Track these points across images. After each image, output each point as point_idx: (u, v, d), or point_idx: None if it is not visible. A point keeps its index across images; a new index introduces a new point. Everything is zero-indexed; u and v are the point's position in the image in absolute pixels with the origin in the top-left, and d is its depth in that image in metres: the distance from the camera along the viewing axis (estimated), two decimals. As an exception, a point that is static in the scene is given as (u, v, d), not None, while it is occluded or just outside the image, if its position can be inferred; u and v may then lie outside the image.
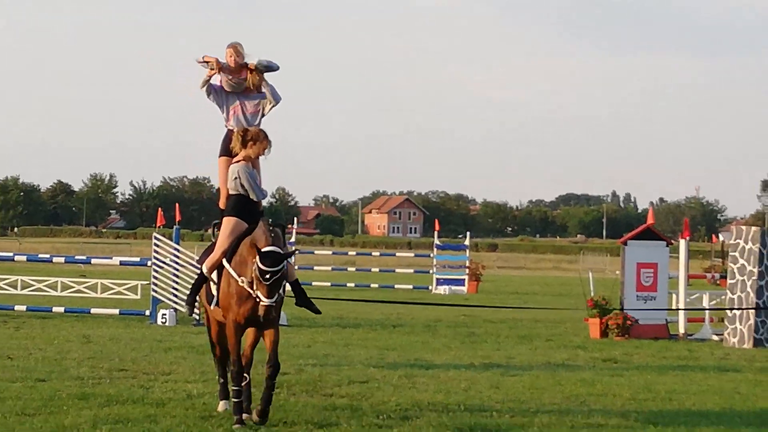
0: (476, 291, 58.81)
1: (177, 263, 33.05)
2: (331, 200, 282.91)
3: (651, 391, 20.58)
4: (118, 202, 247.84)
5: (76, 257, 42.38)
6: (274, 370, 15.09)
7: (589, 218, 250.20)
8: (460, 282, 59.11)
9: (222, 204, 16.23)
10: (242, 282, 15.01)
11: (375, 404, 17.90)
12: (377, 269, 65.55)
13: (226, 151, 16.22)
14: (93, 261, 40.41)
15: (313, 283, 54.56)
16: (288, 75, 16.54)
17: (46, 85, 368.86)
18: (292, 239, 68.59)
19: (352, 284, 57.94)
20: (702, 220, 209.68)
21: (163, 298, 32.78)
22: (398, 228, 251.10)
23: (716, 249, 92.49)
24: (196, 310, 30.32)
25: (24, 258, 40.04)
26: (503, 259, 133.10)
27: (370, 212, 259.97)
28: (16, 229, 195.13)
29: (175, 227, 34.92)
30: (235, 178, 15.55)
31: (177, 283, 32.78)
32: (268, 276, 14.45)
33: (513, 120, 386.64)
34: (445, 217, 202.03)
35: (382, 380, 20.73)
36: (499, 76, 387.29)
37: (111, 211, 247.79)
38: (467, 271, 59.94)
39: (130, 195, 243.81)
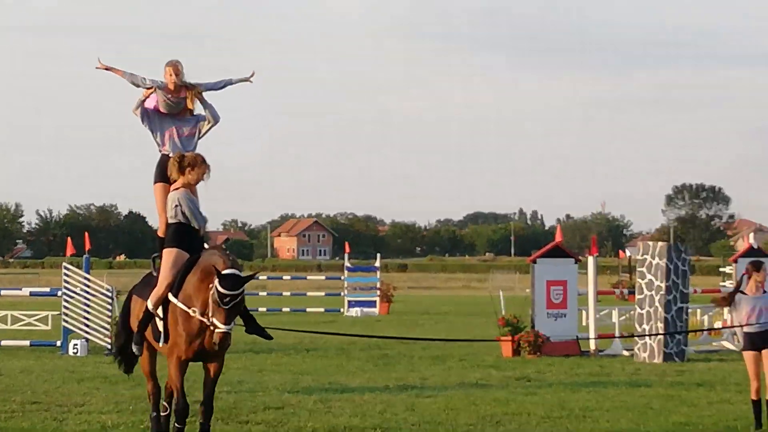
0: (388, 312, 58.78)
1: (87, 292, 32.89)
2: (239, 224, 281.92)
3: (565, 408, 20.75)
4: (25, 231, 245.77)
5: (-15, 289, 41.85)
6: (209, 412, 15.00)
7: (497, 236, 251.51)
8: (372, 304, 59.10)
9: (161, 232, 15.83)
10: (194, 312, 14.53)
11: (291, 430, 17.98)
12: (288, 293, 65.20)
13: (163, 177, 15.75)
14: (2, 292, 40.16)
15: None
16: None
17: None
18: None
19: (264, 309, 57.73)
20: (608, 236, 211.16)
21: (74, 329, 32.57)
22: (308, 251, 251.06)
23: (623, 264, 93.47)
24: (107, 339, 30.37)
25: (-69, 291, 39.58)
26: (413, 280, 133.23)
27: (279, 235, 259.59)
28: None
29: (84, 256, 34.88)
30: (176, 206, 15.15)
31: (88, 312, 32.61)
32: (227, 299, 14.01)
33: (419, 139, 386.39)
34: (355, 239, 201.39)
35: (297, 405, 20.77)
36: (406, 93, 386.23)
37: (17, 241, 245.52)
38: (378, 292, 59.98)
39: (36, 224, 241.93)
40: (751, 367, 18.21)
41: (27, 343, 33.88)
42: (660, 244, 32.79)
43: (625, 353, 32.59)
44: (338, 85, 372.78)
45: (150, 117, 16.10)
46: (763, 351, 18.23)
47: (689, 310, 33.32)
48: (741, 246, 40.85)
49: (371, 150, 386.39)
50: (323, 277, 71.84)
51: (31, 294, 37.08)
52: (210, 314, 14.21)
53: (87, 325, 32.49)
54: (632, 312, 33.14)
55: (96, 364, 29.07)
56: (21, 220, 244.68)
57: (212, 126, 16.31)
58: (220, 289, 14.00)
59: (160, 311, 15.02)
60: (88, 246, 36.10)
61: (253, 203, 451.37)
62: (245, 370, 27.43)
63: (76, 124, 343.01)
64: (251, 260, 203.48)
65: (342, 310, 58.58)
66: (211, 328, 14.26)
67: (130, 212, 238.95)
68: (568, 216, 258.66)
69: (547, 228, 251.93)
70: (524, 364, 29.76)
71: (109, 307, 32.75)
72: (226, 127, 16.45)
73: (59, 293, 33.39)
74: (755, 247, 39.07)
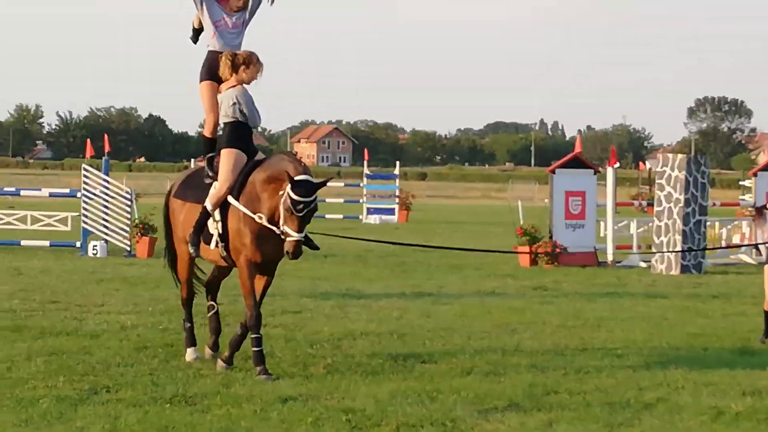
0: (406, 220, 58.90)
1: (107, 194, 32.96)
2: (259, 130, 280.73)
3: (580, 318, 20.83)
4: (45, 132, 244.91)
5: (5, 189, 41.91)
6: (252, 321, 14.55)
7: (518, 146, 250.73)
8: (391, 211, 59.20)
9: (209, 132, 15.47)
10: (260, 218, 14.18)
11: (308, 334, 18.02)
12: (307, 199, 64.87)
13: (211, 75, 15.20)
14: (22, 193, 40.26)
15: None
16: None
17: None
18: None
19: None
20: (629, 147, 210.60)
21: (93, 230, 32.72)
22: (327, 157, 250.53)
23: (643, 176, 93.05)
24: (126, 241, 30.45)
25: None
26: (433, 188, 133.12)
27: (298, 141, 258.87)
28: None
29: (104, 158, 34.85)
30: (233, 103, 14.65)
31: (107, 214, 32.73)
32: (300, 207, 13.67)
33: (439, 46, 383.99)
34: (375, 146, 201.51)
35: (314, 310, 20.89)
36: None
37: (37, 142, 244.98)
38: (397, 200, 59.98)
39: (56, 126, 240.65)
40: (767, 281, 18.27)
41: (47, 243, 34.13)
42: (680, 156, 32.71)
43: (642, 264, 32.64)
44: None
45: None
46: None
47: (708, 223, 33.30)
48: (762, 160, 40.68)
49: (390, 59, 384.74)
50: (342, 184, 71.48)
51: (51, 195, 37.20)
52: (281, 222, 13.90)
53: (106, 227, 32.64)
54: (651, 224, 33.16)
55: (115, 266, 29.24)
56: (41, 120, 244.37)
57: (258, 5, 15.58)
58: (293, 195, 13.68)
59: (217, 214, 14.66)
60: (107, 148, 36.07)
61: (273, 109, 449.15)
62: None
63: (97, 24, 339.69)
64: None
65: (361, 217, 58.76)
66: (282, 236, 13.93)
67: (150, 115, 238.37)
68: (588, 127, 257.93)
69: (567, 139, 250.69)
70: (541, 273, 29.84)
71: (128, 209, 32.86)
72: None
73: (78, 194, 33.46)
74: (776, 161, 39.01)
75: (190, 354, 15.34)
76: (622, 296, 24.79)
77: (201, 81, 15.28)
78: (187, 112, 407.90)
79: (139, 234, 32.53)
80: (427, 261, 32.73)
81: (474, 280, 27.36)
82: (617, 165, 35.09)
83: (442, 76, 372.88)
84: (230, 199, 14.44)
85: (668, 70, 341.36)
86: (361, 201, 60.55)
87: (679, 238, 31.28)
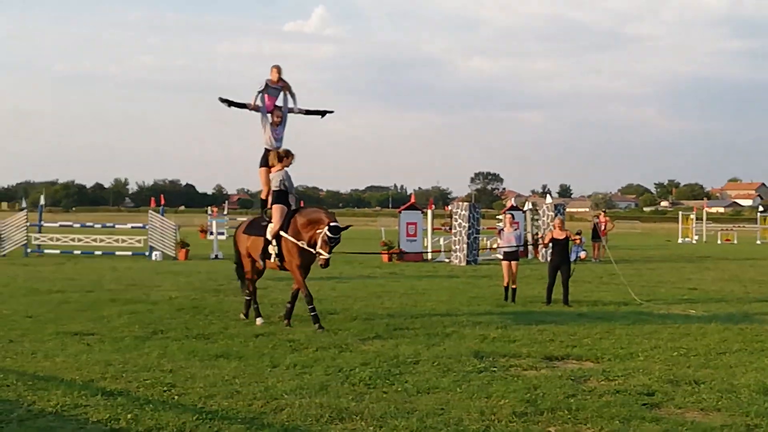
0: None
1: (162, 226, 32.66)
2: (245, 190, 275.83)
3: (414, 289, 20.87)
4: (130, 193, 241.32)
5: (107, 224, 41.29)
6: (294, 303, 14.35)
7: (383, 198, 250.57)
8: None
9: (263, 196, 14.77)
10: (303, 244, 13.70)
11: (270, 300, 17.80)
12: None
13: (265, 164, 14.59)
14: (116, 226, 39.64)
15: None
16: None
17: None
18: (225, 212, 67.53)
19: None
20: (440, 198, 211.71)
21: (154, 245, 32.28)
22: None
23: (447, 214, 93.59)
24: (173, 251, 29.77)
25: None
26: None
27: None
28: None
29: (161, 207, 34.46)
30: (281, 180, 14.26)
31: (162, 237, 32.37)
32: (332, 242, 13.39)
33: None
34: (302, 200, 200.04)
35: (273, 287, 20.55)
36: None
37: (126, 198, 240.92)
38: None
39: (136, 190, 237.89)
40: (504, 270, 18.58)
41: (129, 253, 33.62)
42: (465, 203, 33.20)
43: (446, 260, 32.90)
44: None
45: (263, 114, 14.74)
46: (512, 262, 18.59)
47: (479, 238, 33.67)
48: (508, 204, 41.43)
49: (315, 141, 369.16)
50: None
51: (132, 227, 36.65)
52: (318, 247, 13.44)
53: (162, 243, 32.28)
54: (451, 239, 33.44)
55: (167, 265, 28.84)
56: (127, 187, 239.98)
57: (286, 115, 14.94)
58: (329, 234, 13.34)
59: (275, 242, 14.07)
60: (162, 202, 35.72)
61: (256, 177, 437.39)
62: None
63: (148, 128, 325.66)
64: (252, 208, 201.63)
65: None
66: (317, 255, 13.55)
67: (187, 183, 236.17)
68: (420, 188, 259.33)
69: (408, 194, 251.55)
70: (393, 266, 29.90)
71: (174, 234, 32.54)
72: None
73: (147, 226, 33.07)
74: (514, 205, 39.62)
75: (259, 321, 14.40)
76: (436, 277, 24.95)
77: (260, 167, 14.68)
78: (207, 180, 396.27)
79: (179, 247, 32.20)
80: (334, 259, 32.60)
81: (359, 269, 27.33)
82: (433, 207, 35.13)
83: (340, 149, 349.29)
84: (282, 233, 14.01)
85: (458, 153, 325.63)
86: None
87: (465, 245, 31.61)
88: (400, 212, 34.46)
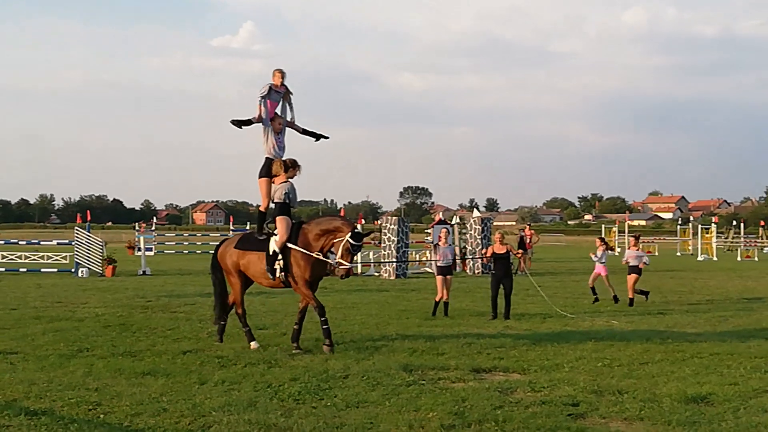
0: None
1: (89, 242, 32.06)
2: (174, 205, 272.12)
3: (343, 303, 20.79)
4: (56, 209, 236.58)
5: (32, 240, 40.32)
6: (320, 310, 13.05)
7: (314, 212, 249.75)
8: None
9: (263, 208, 13.70)
10: (318, 255, 12.84)
11: (199, 315, 17.56)
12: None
13: (267, 174, 13.45)
14: (41, 243, 38.81)
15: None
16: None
17: None
18: (153, 227, 66.65)
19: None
20: (370, 212, 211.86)
21: (81, 261, 31.64)
22: (211, 220, 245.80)
23: (377, 228, 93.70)
24: (99, 268, 29.25)
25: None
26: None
27: (195, 212, 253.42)
28: None
29: (87, 223, 33.87)
30: (285, 192, 13.33)
31: (89, 253, 31.76)
32: (355, 248, 12.62)
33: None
34: (236, 214, 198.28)
35: (202, 302, 20.31)
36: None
37: (52, 215, 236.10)
38: None
39: (61, 206, 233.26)
40: (439, 284, 18.55)
41: (55, 270, 32.90)
42: (394, 217, 33.28)
43: (376, 274, 32.93)
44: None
45: (265, 128, 13.61)
46: (447, 276, 18.62)
47: (408, 251, 33.80)
48: (437, 218, 41.66)
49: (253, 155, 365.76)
50: (219, 234, 69.90)
51: (58, 243, 35.83)
52: (338, 256, 12.61)
53: (88, 260, 31.67)
54: (381, 252, 33.49)
55: (94, 281, 28.28)
56: (53, 203, 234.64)
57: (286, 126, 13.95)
58: (352, 241, 12.55)
59: (280, 256, 13.13)
60: (89, 218, 35.07)
61: (185, 192, 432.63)
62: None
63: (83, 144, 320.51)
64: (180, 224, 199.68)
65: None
66: (335, 265, 12.75)
67: (114, 199, 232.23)
68: (349, 202, 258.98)
69: (338, 208, 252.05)
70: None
71: (101, 250, 31.99)
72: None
73: (73, 243, 32.45)
74: (442, 219, 39.89)
75: (254, 345, 13.25)
76: (366, 291, 24.94)
77: (261, 177, 13.53)
78: (135, 195, 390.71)
79: (106, 263, 31.63)
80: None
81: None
82: (363, 222, 35.25)
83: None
84: (289, 244, 13.04)
85: (388, 167, 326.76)
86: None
87: (394, 259, 31.70)
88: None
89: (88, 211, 37.41)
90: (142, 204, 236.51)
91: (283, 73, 13.92)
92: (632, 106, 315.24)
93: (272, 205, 13.63)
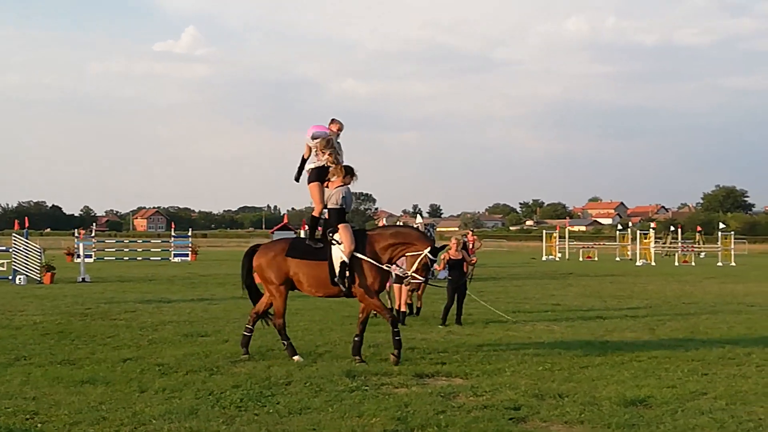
0: (195, 260, 55.42)
1: (27, 249, 31.41)
2: (114, 211, 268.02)
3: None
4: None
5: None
6: (394, 320, 12.80)
7: (257, 218, 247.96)
8: (186, 255, 56.12)
9: (317, 213, 13.12)
10: (387, 267, 12.56)
11: (139, 322, 17.36)
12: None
13: (319, 179, 12.93)
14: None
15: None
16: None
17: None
18: (92, 234, 65.67)
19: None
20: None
21: (19, 268, 30.98)
22: (153, 227, 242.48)
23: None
24: (38, 275, 28.70)
25: None
26: (210, 242, 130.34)
27: (136, 218, 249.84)
28: None
29: (25, 230, 33.20)
30: (343, 197, 12.82)
31: (27, 260, 31.12)
32: (432, 264, 12.53)
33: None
34: (178, 221, 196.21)
35: (143, 309, 20.08)
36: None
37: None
38: (190, 249, 56.94)
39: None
40: (397, 293, 18.55)
41: (-9, 277, 32.24)
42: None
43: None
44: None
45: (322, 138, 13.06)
46: (403, 285, 18.24)
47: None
48: (380, 224, 41.78)
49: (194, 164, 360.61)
50: (160, 240, 69.04)
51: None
52: (413, 270, 12.43)
53: (26, 267, 31.05)
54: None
55: (32, 288, 27.71)
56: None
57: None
58: (431, 257, 12.42)
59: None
60: (27, 224, 34.42)
61: (125, 198, 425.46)
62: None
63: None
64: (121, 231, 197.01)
65: (170, 258, 56.22)
66: (409, 278, 12.63)
67: (53, 205, 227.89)
68: (293, 208, 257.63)
69: (282, 214, 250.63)
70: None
71: (39, 257, 31.41)
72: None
73: (11, 249, 31.82)
74: (386, 225, 39.88)
75: (297, 358, 12.69)
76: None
77: (311, 182, 13.03)
78: (74, 201, 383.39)
79: (45, 270, 31.03)
80: (205, 281, 32.15)
81: (231, 291, 26.84)
82: (306, 228, 35.21)
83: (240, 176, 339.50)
84: (357, 254, 12.55)
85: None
86: (170, 249, 58.12)
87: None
88: (272, 233, 34.32)
89: (26, 218, 36.78)
90: (81, 210, 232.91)
91: (341, 127, 13.46)
92: (574, 113, 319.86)
93: (325, 211, 13.16)
